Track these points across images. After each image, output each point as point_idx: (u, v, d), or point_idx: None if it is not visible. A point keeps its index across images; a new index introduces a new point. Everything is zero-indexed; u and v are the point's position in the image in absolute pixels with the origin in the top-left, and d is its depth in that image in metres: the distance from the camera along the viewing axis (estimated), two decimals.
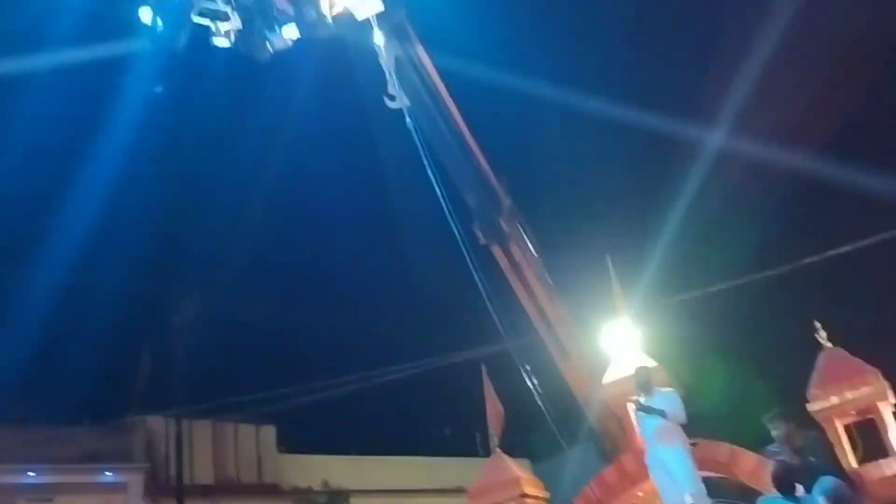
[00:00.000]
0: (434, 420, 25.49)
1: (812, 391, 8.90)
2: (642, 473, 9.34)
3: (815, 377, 9.03)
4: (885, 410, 8.70)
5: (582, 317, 13.13)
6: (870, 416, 8.81)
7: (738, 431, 10.17)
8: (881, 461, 8.38)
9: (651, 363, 9.68)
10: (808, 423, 8.42)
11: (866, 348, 9.31)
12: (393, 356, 19.05)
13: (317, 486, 19.25)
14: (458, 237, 14.25)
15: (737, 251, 17.21)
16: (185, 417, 19.07)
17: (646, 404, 7.95)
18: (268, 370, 23.02)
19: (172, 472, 18.81)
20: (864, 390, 8.67)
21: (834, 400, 8.73)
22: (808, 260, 13.83)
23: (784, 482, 7.14)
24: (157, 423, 19.81)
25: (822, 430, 8.27)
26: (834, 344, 9.22)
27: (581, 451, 14.22)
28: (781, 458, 7.10)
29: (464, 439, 22.94)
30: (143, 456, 19.55)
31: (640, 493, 10.54)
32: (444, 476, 22.58)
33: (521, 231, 13.27)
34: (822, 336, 9.22)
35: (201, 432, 20.51)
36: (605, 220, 17.83)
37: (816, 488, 6.65)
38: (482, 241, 13.36)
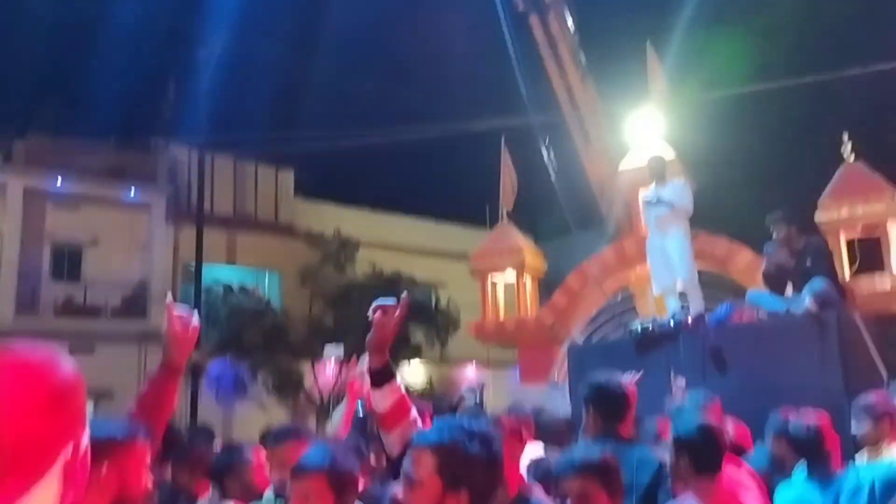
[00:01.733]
0: (447, 186, 25.92)
1: (823, 201, 8.89)
2: (640, 257, 9.65)
3: (829, 188, 8.99)
4: (893, 230, 8.75)
5: (609, 103, 12.91)
6: (875, 235, 8.88)
7: (740, 231, 10.36)
8: (875, 276, 8.56)
9: (670, 154, 9.62)
10: (814, 232, 8.50)
11: (891, 168, 9.19)
12: (416, 116, 18.96)
13: (329, 233, 20.03)
14: (497, 1, 13.63)
15: (777, 54, 16.47)
16: (208, 150, 19.50)
17: (655, 192, 7.96)
18: (291, 115, 23.11)
19: (194, 200, 19.62)
20: (877, 207, 8.64)
21: (843, 213, 8.74)
22: (848, 72, 13.19)
23: (776, 280, 7.34)
24: (181, 152, 20.31)
25: (824, 240, 8.35)
26: (859, 159, 9.09)
27: (585, 236, 14.62)
28: (778, 257, 7.21)
29: (473, 209, 23.55)
30: (166, 180, 20.30)
31: (633, 277, 10.99)
32: (450, 240, 23.47)
33: (563, 4, 12.65)
34: (846, 149, 9.06)
35: (223, 167, 21.08)
36: (646, 9, 16.83)
37: (806, 289, 6.81)
38: (521, 7, 12.79)
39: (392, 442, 2.20)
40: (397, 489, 1.85)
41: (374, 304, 2.26)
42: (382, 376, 2.21)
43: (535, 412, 5.18)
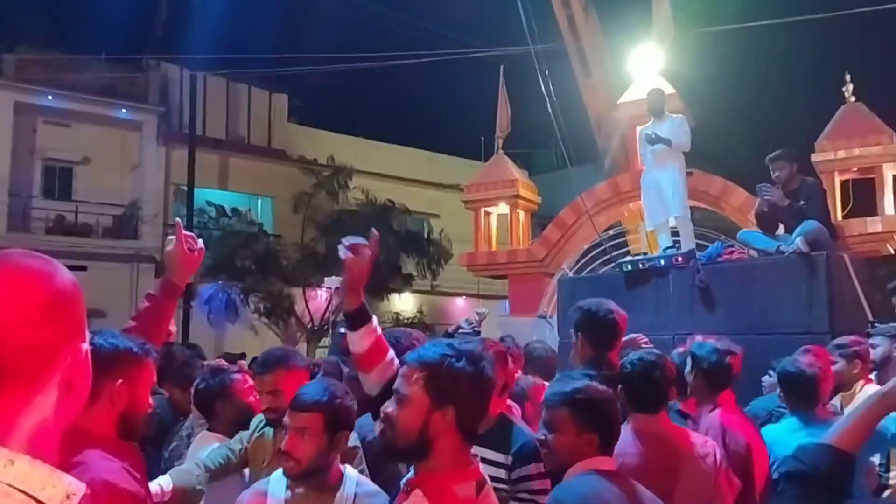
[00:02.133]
0: (442, 117, 25.67)
1: (820, 142, 8.85)
2: (634, 193, 9.64)
3: (828, 129, 8.94)
4: (888, 173, 8.74)
5: (612, 35, 12.69)
6: (870, 177, 8.87)
7: (736, 170, 10.34)
8: (867, 218, 8.59)
9: (669, 89, 9.50)
10: (810, 172, 8.48)
11: (893, 109, 9.12)
12: (414, 44, 18.61)
13: (322, 160, 19.88)
14: None
15: None
16: (201, 70, 19.16)
17: (653, 128, 7.88)
18: (286, 38, 22.68)
19: (185, 120, 19.36)
20: (874, 149, 8.61)
21: (840, 153, 8.71)
22: (852, 10, 12.93)
23: (768, 220, 7.37)
24: (173, 71, 19.93)
25: (819, 181, 8.34)
26: (859, 100, 9.00)
27: (580, 170, 14.55)
28: (772, 196, 7.22)
29: (468, 140, 23.38)
30: (157, 100, 19.98)
31: (626, 213, 11.01)
32: (444, 171, 23.36)
33: None
34: (848, 90, 8.96)
35: (215, 88, 20.73)
36: None
37: (798, 230, 6.84)
38: None
39: (370, 383, 2.22)
40: (388, 404, 1.85)
41: (342, 242, 2.21)
42: (358, 318, 2.20)
43: (527, 347, 5.23)
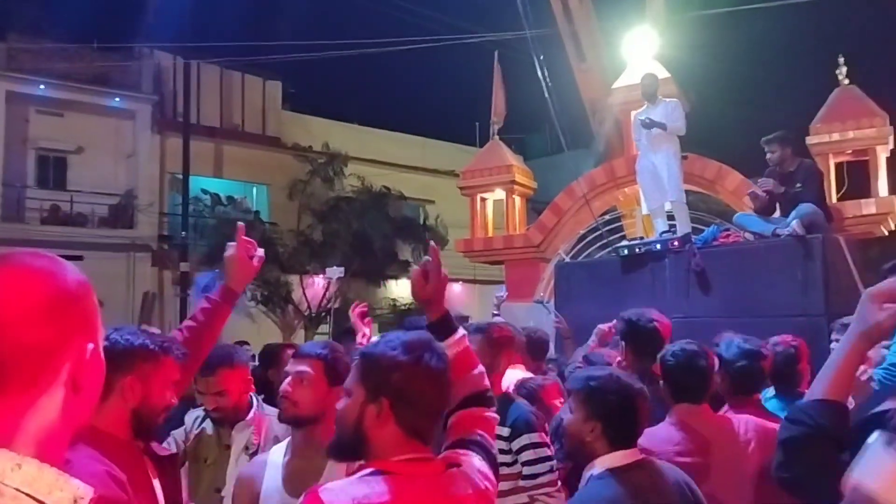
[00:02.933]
0: (437, 103, 25.62)
1: (815, 125, 8.89)
2: (629, 178, 9.68)
3: (822, 111, 8.97)
4: (881, 155, 8.79)
5: (606, 20, 12.66)
6: (864, 158, 8.92)
7: (731, 154, 10.37)
8: (861, 200, 8.64)
9: (663, 73, 9.51)
10: (805, 155, 8.51)
11: (886, 92, 9.15)
12: (407, 30, 18.55)
13: (317, 147, 19.84)
14: None
15: None
16: (194, 58, 19.05)
17: (647, 113, 7.90)
18: (279, 25, 22.56)
19: (180, 108, 19.28)
20: (868, 131, 8.65)
21: (835, 136, 8.75)
22: None
23: (764, 203, 7.40)
24: (166, 59, 19.81)
25: (815, 163, 8.38)
26: (853, 83, 9.03)
27: (575, 156, 14.56)
28: (768, 187, 7.26)
29: (462, 127, 23.36)
30: (151, 88, 19.87)
31: (622, 197, 11.04)
32: (439, 157, 23.35)
33: None
34: (841, 72, 8.99)
35: (209, 75, 20.63)
36: None
37: (793, 212, 6.88)
38: None
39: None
40: (341, 400, 1.81)
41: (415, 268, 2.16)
42: (442, 328, 2.02)
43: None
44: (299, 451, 2.45)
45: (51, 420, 0.95)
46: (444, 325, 2.04)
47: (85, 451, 1.82)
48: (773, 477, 1.64)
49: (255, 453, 3.00)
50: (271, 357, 4.73)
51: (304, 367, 2.46)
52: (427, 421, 1.74)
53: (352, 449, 1.74)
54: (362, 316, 4.08)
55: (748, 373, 3.28)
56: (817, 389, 1.60)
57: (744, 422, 3.01)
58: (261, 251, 2.51)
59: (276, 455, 2.50)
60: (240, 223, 2.46)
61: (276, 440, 2.87)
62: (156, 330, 5.38)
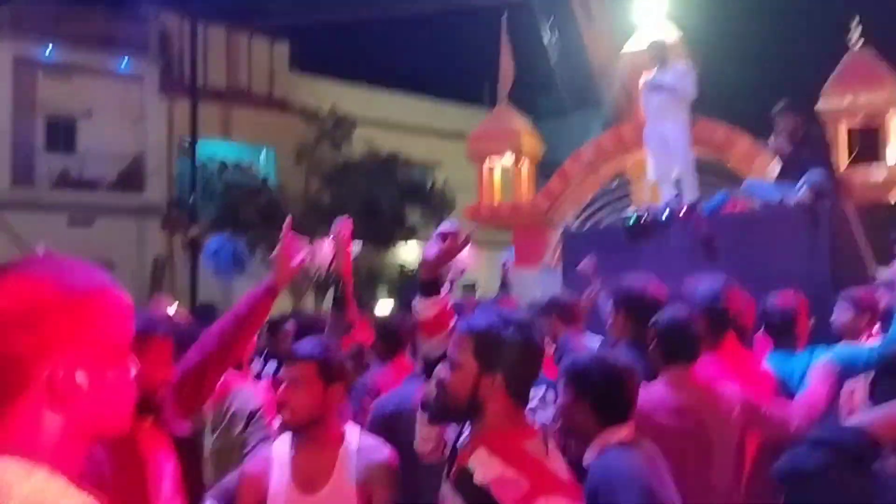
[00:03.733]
0: (445, 64, 25.34)
1: (826, 89, 8.79)
2: (637, 144, 9.62)
3: (834, 76, 8.86)
4: (893, 121, 8.70)
5: None
6: (875, 125, 8.83)
7: (740, 118, 10.27)
8: (871, 165, 8.57)
9: (674, 36, 9.39)
10: (815, 120, 8.42)
11: None
12: None
13: (324, 109, 19.72)
14: None
15: None
16: (200, 20, 18.86)
17: (656, 77, 7.80)
18: None
19: (187, 71, 19.16)
20: (879, 95, 8.56)
21: (846, 101, 8.66)
22: None
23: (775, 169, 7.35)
24: (172, 21, 19.63)
25: (823, 130, 8.30)
26: (867, 46, 8.90)
27: (583, 117, 14.48)
28: (777, 146, 7.19)
29: (471, 88, 23.12)
30: (157, 51, 19.74)
31: (630, 163, 10.99)
32: (447, 119, 23.17)
33: None
34: (854, 36, 8.85)
35: (216, 37, 20.43)
36: None
37: (803, 178, 6.83)
38: None
39: (428, 347, 2.32)
40: (441, 368, 1.98)
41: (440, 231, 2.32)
42: (431, 288, 2.28)
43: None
44: (307, 449, 2.43)
45: (42, 430, 0.95)
46: (434, 285, 2.28)
47: None
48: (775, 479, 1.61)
49: (217, 429, 3.04)
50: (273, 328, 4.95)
51: (296, 373, 2.42)
52: (529, 390, 2.00)
53: (463, 415, 1.93)
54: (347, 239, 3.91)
55: (720, 312, 3.43)
56: (869, 419, 1.53)
57: (730, 386, 3.07)
58: (304, 252, 2.52)
59: (280, 450, 2.48)
60: (286, 221, 2.45)
61: (241, 412, 3.04)
62: (166, 300, 5.45)
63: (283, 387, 2.44)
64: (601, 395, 2.39)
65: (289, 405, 2.40)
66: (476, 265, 19.37)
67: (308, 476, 2.36)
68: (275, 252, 2.49)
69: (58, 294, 0.96)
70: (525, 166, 11.66)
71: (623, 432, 2.37)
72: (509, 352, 1.87)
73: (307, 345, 2.53)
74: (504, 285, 7.56)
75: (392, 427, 2.93)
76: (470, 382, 1.88)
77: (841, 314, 4.26)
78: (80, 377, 0.96)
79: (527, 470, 1.78)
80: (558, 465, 1.86)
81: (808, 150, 7.13)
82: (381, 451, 2.49)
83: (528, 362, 1.92)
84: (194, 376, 2.26)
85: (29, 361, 0.94)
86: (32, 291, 0.95)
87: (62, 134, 19.16)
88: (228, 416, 3.09)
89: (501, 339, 1.87)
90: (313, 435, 2.42)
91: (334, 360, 2.47)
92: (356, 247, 4.13)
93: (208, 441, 3.08)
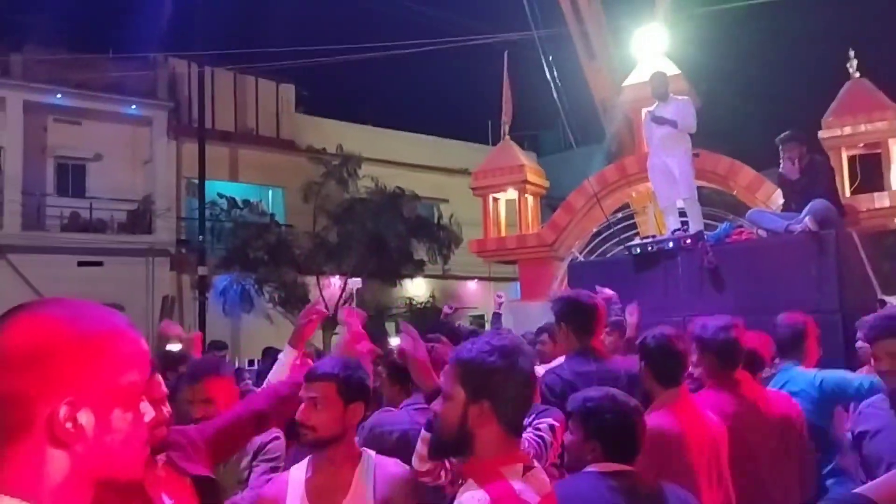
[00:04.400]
0: (448, 102, 25.68)
1: (827, 118, 8.88)
2: (641, 175, 9.70)
3: (833, 105, 8.96)
4: (894, 148, 8.76)
5: (615, 17, 12.69)
6: (877, 151, 8.90)
7: (743, 149, 10.37)
8: (874, 194, 8.62)
9: (674, 70, 9.53)
10: (816, 149, 8.50)
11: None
12: (417, 31, 18.62)
13: (331, 149, 19.97)
14: None
15: None
16: (208, 64, 19.24)
17: (658, 111, 7.92)
18: (292, 30, 22.70)
19: (195, 114, 19.48)
20: (879, 125, 8.64)
21: (846, 130, 8.74)
22: None
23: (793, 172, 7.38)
24: (180, 65, 20.02)
25: (827, 158, 8.37)
26: (864, 76, 9.02)
27: (587, 152, 14.61)
28: (787, 172, 7.27)
29: (474, 125, 23.41)
30: (166, 95, 20.09)
31: (634, 194, 11.07)
32: (451, 156, 23.41)
33: None
34: (852, 65, 8.98)
35: (223, 80, 20.82)
36: None
37: (806, 208, 6.88)
38: None
39: None
40: (436, 402, 2.02)
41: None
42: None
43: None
44: (322, 468, 2.43)
45: (44, 472, 0.94)
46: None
47: None
48: None
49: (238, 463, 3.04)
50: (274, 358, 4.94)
51: (315, 392, 2.41)
52: (521, 417, 1.97)
53: (456, 447, 1.91)
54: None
55: (729, 346, 3.39)
56: (874, 487, 1.41)
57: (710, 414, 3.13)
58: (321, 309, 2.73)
59: (297, 473, 2.48)
60: (316, 298, 2.63)
61: (261, 446, 3.01)
62: (177, 327, 5.48)
63: (302, 406, 2.42)
64: (612, 435, 2.40)
65: (307, 424, 2.38)
66: (483, 299, 19.43)
67: (324, 494, 2.36)
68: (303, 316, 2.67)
69: (65, 334, 0.96)
70: (529, 200, 11.75)
71: (614, 465, 2.37)
72: (496, 379, 1.84)
73: (327, 363, 2.51)
74: (497, 317, 7.65)
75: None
76: (459, 412, 1.85)
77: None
78: (85, 418, 0.95)
79: (494, 493, 1.77)
80: (532, 490, 1.81)
81: (812, 179, 7.20)
82: (399, 466, 2.49)
83: (516, 388, 1.87)
84: (235, 433, 2.36)
85: (33, 401, 0.93)
86: (40, 331, 0.95)
87: (72, 177, 19.45)
88: (245, 453, 3.09)
89: (486, 366, 1.85)
90: (331, 454, 2.41)
91: (354, 378, 2.45)
92: (356, 284, 4.18)
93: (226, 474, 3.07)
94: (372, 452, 2.53)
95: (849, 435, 3.47)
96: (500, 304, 7.37)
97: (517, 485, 1.79)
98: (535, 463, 1.97)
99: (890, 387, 2.96)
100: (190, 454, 2.24)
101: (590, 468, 2.39)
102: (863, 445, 3.08)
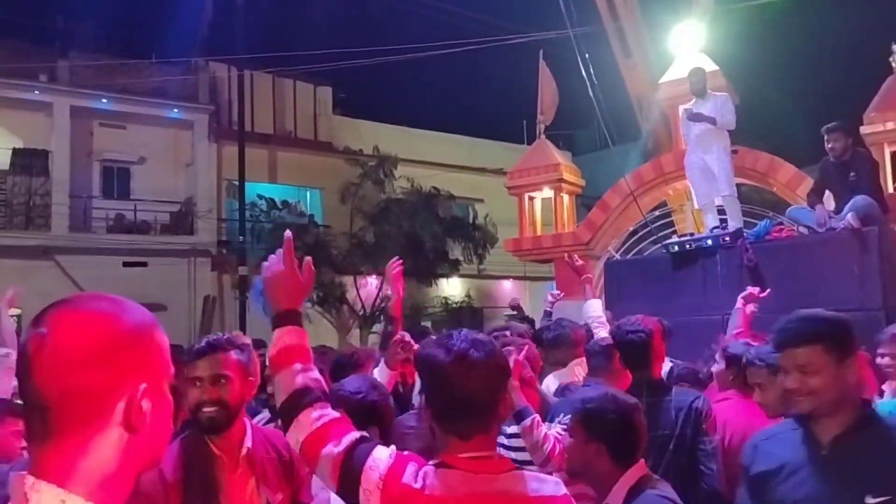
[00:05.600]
0: (483, 102, 25.70)
1: (869, 114, 8.74)
2: (678, 173, 9.65)
3: (876, 100, 8.82)
4: None
5: (651, 14, 12.62)
6: None
7: (783, 145, 10.26)
8: None
9: (712, 66, 9.45)
10: (859, 145, 8.35)
11: None
12: (451, 32, 18.72)
13: (367, 150, 20.15)
14: None
15: None
16: (247, 67, 19.57)
17: (696, 108, 7.85)
18: (329, 32, 22.99)
19: (235, 117, 19.83)
20: None
21: (889, 125, 8.60)
22: None
23: (817, 192, 7.31)
24: (221, 69, 20.39)
25: (869, 153, 8.23)
26: None
27: (622, 151, 14.53)
28: (823, 168, 7.19)
29: (510, 125, 23.41)
30: (207, 98, 20.48)
31: (671, 192, 11.01)
32: (487, 156, 23.45)
33: None
34: (895, 60, 8.83)
35: (262, 84, 21.14)
36: None
37: (848, 205, 6.79)
38: None
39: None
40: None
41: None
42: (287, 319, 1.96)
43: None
44: None
45: (106, 461, 0.96)
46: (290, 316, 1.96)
47: None
48: None
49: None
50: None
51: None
52: (459, 415, 1.73)
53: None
54: (397, 278, 3.77)
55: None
56: None
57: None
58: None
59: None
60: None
61: None
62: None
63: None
64: (616, 435, 2.33)
65: None
66: (520, 295, 19.44)
67: None
68: None
69: (121, 327, 1.00)
70: (565, 199, 11.75)
71: (642, 472, 2.33)
72: (438, 375, 1.72)
73: (354, 384, 2.49)
74: (547, 315, 7.63)
75: None
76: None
77: None
78: (146, 405, 0.99)
79: None
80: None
81: (856, 173, 7.08)
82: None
83: (455, 382, 1.70)
84: None
85: (104, 394, 0.97)
86: (98, 325, 0.98)
87: (117, 180, 19.94)
88: None
89: (434, 362, 1.73)
90: None
91: (374, 403, 2.44)
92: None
93: None
94: None
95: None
96: (553, 304, 7.32)
97: None
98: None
99: (801, 411, 2.18)
100: None
101: (630, 483, 2.29)
102: (767, 490, 2.22)
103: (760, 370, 3.02)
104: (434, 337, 1.95)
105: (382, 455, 1.69)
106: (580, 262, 6.07)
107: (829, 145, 7.11)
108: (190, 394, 2.35)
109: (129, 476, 0.99)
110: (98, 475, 0.95)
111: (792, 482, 2.15)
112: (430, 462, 1.72)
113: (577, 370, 4.34)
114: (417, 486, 1.64)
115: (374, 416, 2.44)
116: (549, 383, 4.28)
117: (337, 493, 1.75)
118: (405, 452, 1.76)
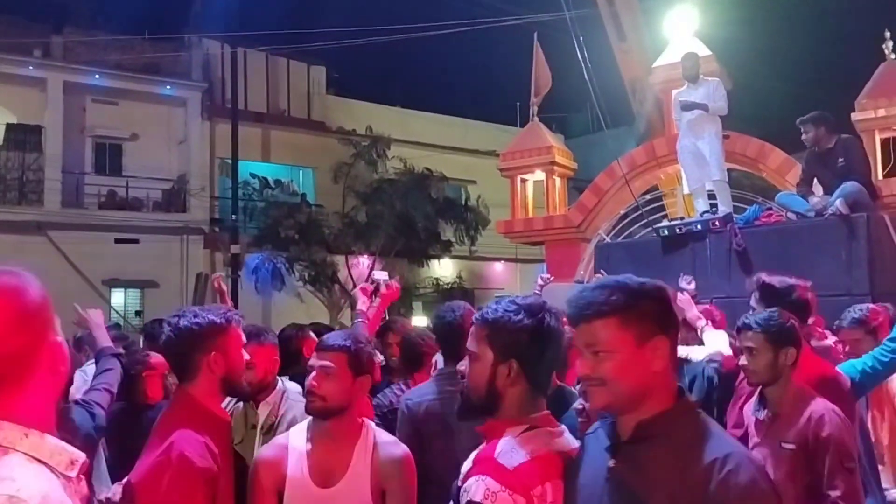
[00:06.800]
0: (477, 84, 25.63)
1: (860, 101, 8.78)
2: (670, 158, 9.71)
3: (867, 87, 8.86)
4: None
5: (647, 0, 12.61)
6: None
7: (773, 131, 10.31)
8: None
9: (705, 52, 9.48)
10: (850, 132, 8.40)
11: None
12: (446, 12, 18.65)
13: (360, 130, 20.13)
14: None
15: None
16: (241, 46, 19.47)
17: (688, 93, 7.89)
18: (323, 12, 22.85)
19: (228, 95, 19.76)
20: None
21: (881, 112, 8.64)
22: None
23: (806, 182, 7.40)
24: (214, 47, 20.28)
25: (858, 139, 8.27)
26: None
27: (615, 135, 14.56)
28: (806, 158, 7.26)
29: (503, 107, 23.39)
30: (200, 75, 20.39)
31: (663, 176, 11.07)
32: (480, 138, 23.44)
33: None
34: (888, 47, 8.86)
35: (256, 62, 21.05)
36: None
37: (837, 191, 6.85)
38: None
39: None
40: (462, 363, 1.97)
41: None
42: None
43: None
44: (324, 442, 2.44)
45: (41, 400, 1.18)
46: None
47: (186, 431, 2.20)
48: None
49: (269, 429, 3.04)
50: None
51: (327, 362, 2.45)
52: (549, 377, 1.94)
53: (486, 407, 1.86)
54: (366, 291, 4.02)
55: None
56: None
57: None
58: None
59: (297, 440, 2.48)
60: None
61: (294, 420, 2.87)
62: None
63: (313, 374, 2.46)
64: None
65: (318, 392, 2.42)
66: (510, 278, 19.53)
67: (324, 469, 2.40)
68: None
69: (36, 293, 1.20)
70: (557, 181, 11.79)
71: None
72: (523, 338, 1.81)
73: (338, 336, 2.59)
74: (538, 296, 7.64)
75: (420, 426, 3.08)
76: (487, 372, 1.83)
77: None
78: (60, 352, 1.22)
79: (480, 453, 1.81)
80: (523, 449, 1.74)
81: (843, 160, 7.14)
82: (398, 446, 2.52)
83: (544, 347, 1.84)
84: None
85: (32, 352, 1.17)
86: (19, 296, 1.17)
87: (109, 156, 19.86)
88: (280, 420, 3.10)
89: (513, 325, 1.82)
90: (335, 425, 2.45)
91: (363, 352, 2.52)
92: (382, 275, 4.23)
93: (258, 440, 3.09)
94: (373, 427, 2.57)
95: None
96: (542, 287, 7.41)
97: (503, 444, 1.77)
98: (558, 425, 1.89)
99: (594, 405, 1.70)
100: None
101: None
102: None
103: (757, 335, 3.02)
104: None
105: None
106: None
107: (803, 136, 7.19)
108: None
109: (52, 407, 1.21)
110: (37, 412, 1.16)
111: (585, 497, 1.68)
112: (516, 432, 1.80)
113: None
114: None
115: (371, 367, 2.57)
116: None
117: None
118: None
